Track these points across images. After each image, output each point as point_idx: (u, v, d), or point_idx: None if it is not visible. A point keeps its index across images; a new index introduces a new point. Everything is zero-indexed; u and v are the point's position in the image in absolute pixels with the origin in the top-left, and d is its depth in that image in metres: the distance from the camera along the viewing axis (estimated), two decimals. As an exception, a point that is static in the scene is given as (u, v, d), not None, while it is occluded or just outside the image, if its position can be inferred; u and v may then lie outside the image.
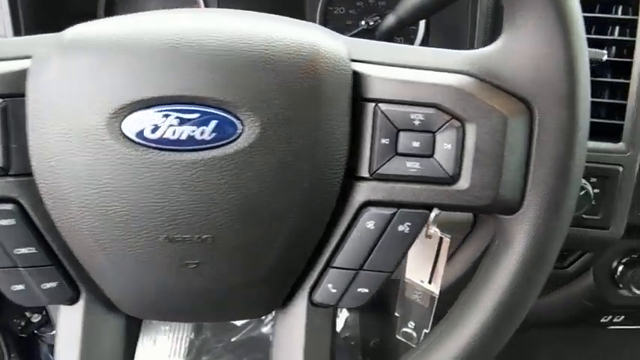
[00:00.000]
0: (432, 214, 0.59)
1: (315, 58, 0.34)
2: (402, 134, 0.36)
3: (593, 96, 0.61)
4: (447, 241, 0.57)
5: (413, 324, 0.67)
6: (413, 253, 0.60)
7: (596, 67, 0.59)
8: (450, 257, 0.76)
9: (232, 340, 1.33)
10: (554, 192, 0.35)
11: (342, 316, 1.37)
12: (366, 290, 0.38)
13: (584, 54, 0.35)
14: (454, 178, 0.36)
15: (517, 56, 0.35)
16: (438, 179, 0.36)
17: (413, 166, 0.36)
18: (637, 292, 0.66)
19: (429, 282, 0.60)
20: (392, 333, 1.25)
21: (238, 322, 1.35)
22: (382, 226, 0.37)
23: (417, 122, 0.35)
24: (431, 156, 0.36)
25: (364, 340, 1.35)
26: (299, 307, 0.39)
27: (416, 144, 0.36)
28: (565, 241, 0.64)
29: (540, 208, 0.36)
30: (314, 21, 0.76)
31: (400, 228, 0.37)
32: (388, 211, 0.36)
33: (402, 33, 0.77)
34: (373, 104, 0.36)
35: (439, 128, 0.35)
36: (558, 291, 0.75)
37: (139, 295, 0.38)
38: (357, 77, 0.36)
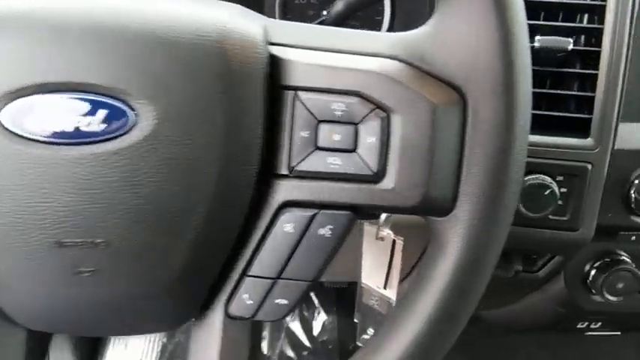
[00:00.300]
0: (383, 215, 0.56)
1: (224, 40, 0.31)
2: (322, 126, 0.32)
3: (562, 88, 0.58)
4: (399, 243, 0.53)
5: (372, 331, 0.63)
6: (367, 258, 0.56)
7: (565, 57, 0.55)
8: (416, 262, 0.72)
9: (206, 344, 1.29)
10: (490, 191, 0.31)
11: (320, 319, 1.34)
12: (285, 302, 0.34)
13: (522, 36, 0.31)
14: (379, 176, 0.32)
15: (448, 38, 0.31)
16: (360, 177, 0.32)
17: (334, 161, 0.32)
18: (609, 298, 0.62)
19: (385, 287, 0.56)
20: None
21: (212, 326, 1.31)
22: (301, 229, 0.33)
23: (338, 113, 0.31)
24: (353, 150, 0.32)
25: (342, 343, 1.32)
26: (214, 320, 0.35)
27: (337, 137, 0.32)
28: (532, 244, 0.61)
29: (475, 210, 0.32)
30: (273, 12, 0.72)
31: (321, 231, 0.33)
32: (308, 213, 0.32)
33: (368, 22, 0.73)
34: (292, 92, 0.32)
35: (362, 119, 0.31)
36: (530, 296, 0.71)
37: (33, 306, 0.34)
38: (274, 62, 0.32)
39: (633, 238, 0.59)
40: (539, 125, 0.55)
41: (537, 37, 0.52)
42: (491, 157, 0.31)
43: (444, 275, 0.33)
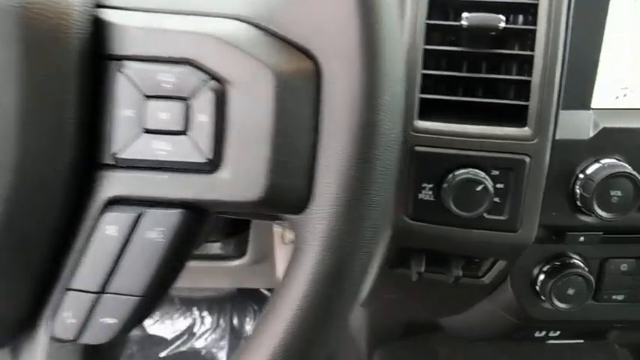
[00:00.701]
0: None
1: (30, 1, 0.25)
2: (149, 103, 0.26)
3: (499, 72, 0.52)
4: (310, 248, 0.47)
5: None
6: (280, 263, 0.50)
7: (502, 37, 0.49)
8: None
9: (161, 355, 1.23)
10: (352, 182, 0.25)
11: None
12: (113, 321, 0.28)
13: None
14: (214, 164, 0.26)
15: None
16: (192, 165, 0.26)
17: (161, 147, 0.26)
18: (559, 305, 0.56)
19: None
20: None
21: (168, 336, 1.25)
22: (126, 232, 0.27)
23: (167, 86, 0.26)
24: (184, 132, 0.26)
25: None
26: (38, 341, 0.29)
27: (165, 116, 0.26)
28: (468, 247, 0.55)
29: (334, 205, 0.26)
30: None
31: (150, 234, 0.26)
32: (132, 212, 0.26)
33: None
34: (117, 63, 0.26)
35: (193, 93, 0.25)
36: (480, 304, 0.65)
37: None
38: (99, 27, 0.26)
39: (582, 238, 0.53)
40: (477, 114, 0.49)
41: (464, 15, 0.47)
42: (352, 140, 0.25)
43: (301, 284, 0.27)
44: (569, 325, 0.65)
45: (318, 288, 0.26)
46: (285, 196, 0.26)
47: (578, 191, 0.50)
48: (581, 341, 0.78)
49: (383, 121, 0.25)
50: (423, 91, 0.49)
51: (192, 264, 0.68)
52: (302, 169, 0.26)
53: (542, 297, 0.57)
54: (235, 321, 1.24)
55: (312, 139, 0.26)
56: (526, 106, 0.48)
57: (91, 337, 0.28)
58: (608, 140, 0.49)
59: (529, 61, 0.48)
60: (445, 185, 0.48)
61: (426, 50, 0.48)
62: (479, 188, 0.47)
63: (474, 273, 0.59)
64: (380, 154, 0.25)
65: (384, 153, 0.26)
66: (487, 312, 0.67)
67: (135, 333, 1.25)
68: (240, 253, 0.68)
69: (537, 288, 0.58)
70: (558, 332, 0.70)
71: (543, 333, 0.71)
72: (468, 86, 0.50)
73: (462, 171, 0.48)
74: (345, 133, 0.25)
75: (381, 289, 0.65)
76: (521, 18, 0.50)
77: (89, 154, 0.26)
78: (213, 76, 0.25)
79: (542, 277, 0.57)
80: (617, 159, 0.49)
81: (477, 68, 0.50)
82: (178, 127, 0.26)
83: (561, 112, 0.48)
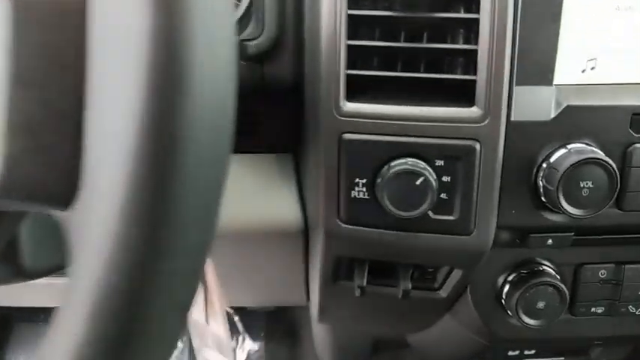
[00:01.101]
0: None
1: None
2: None
3: (444, 41, 0.44)
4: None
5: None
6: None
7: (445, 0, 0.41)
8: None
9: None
10: (142, 160, 0.17)
11: (245, 347, 1.19)
12: None
13: None
14: None
15: None
16: None
17: None
18: (528, 321, 0.47)
19: (207, 322, 0.41)
20: None
21: None
22: None
23: None
24: None
25: (272, 373, 1.17)
26: None
27: None
28: (414, 254, 0.46)
29: (114, 196, 0.17)
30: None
31: None
32: None
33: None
34: None
35: None
36: (443, 321, 0.57)
37: None
38: None
39: (549, 241, 0.44)
40: (417, 94, 0.41)
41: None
42: (140, 89, 0.16)
43: (76, 316, 0.18)
44: (544, 344, 0.57)
45: (98, 323, 0.17)
46: (37, 181, 0.17)
47: (541, 183, 0.41)
48: (562, 359, 0.69)
49: (195, 54, 0.16)
50: (350, 67, 0.40)
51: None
52: (60, 139, 0.17)
53: (509, 312, 0.49)
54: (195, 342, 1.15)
55: (76, 92, 0.17)
56: (474, 82, 0.39)
57: None
58: (575, 121, 0.41)
59: (476, 27, 0.40)
60: (379, 180, 0.40)
61: (350, 17, 0.40)
62: (419, 182, 0.39)
63: (428, 285, 0.50)
64: (190, 111, 0.16)
65: (200, 109, 0.17)
66: (451, 329, 0.58)
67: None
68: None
69: (503, 301, 0.49)
70: (533, 350, 0.62)
71: (517, 351, 0.62)
72: (407, 60, 0.42)
73: (398, 161, 0.39)
74: (128, 78, 0.16)
75: (331, 303, 0.57)
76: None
77: None
78: None
79: (507, 288, 0.48)
80: (586, 143, 0.41)
81: (419, 39, 0.42)
82: None
83: (517, 88, 0.40)
